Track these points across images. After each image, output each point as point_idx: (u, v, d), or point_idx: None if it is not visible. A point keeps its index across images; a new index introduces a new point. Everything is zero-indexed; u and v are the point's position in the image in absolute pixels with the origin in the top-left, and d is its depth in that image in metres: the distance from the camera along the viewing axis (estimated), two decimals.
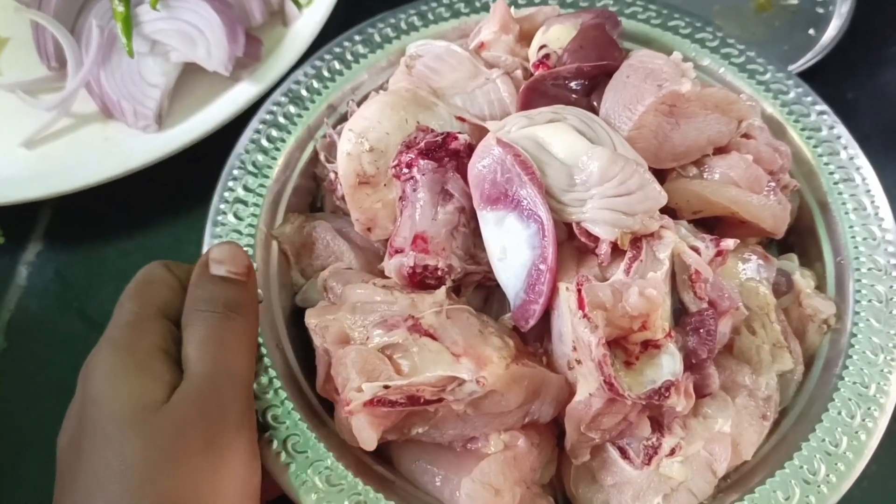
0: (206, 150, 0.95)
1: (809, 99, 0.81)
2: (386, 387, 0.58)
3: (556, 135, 0.66)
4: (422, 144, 0.69)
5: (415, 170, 0.68)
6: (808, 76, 0.92)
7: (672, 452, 0.64)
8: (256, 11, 1.03)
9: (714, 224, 0.74)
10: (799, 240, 0.79)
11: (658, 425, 0.65)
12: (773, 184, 0.73)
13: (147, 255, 0.96)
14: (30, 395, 0.88)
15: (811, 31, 1.06)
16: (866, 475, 0.65)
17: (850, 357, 0.70)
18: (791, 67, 1.00)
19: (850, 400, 0.68)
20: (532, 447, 0.65)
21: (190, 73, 1.01)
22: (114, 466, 0.52)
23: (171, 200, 0.99)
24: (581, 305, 0.60)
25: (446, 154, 0.68)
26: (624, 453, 0.65)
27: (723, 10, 1.10)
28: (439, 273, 0.66)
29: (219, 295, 0.62)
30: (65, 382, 0.89)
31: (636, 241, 0.64)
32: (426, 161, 0.67)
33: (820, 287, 0.76)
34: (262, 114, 0.82)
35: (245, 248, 0.73)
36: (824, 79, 0.98)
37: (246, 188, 0.77)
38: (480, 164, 0.66)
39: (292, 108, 0.82)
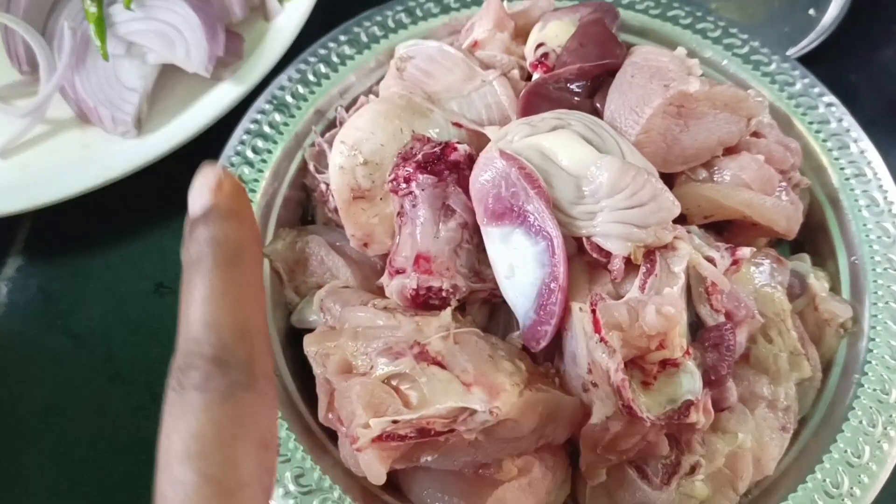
0: (190, 153, 0.91)
1: (817, 90, 0.78)
2: (395, 421, 0.56)
3: (562, 144, 0.62)
4: (419, 156, 0.65)
5: (413, 184, 0.64)
6: (809, 58, 0.90)
7: (692, 470, 0.62)
8: (236, 7, 0.99)
9: (723, 226, 0.72)
10: (809, 237, 0.76)
11: (676, 442, 0.63)
12: (784, 183, 0.71)
13: (133, 267, 0.93)
14: (16, 417, 0.85)
15: (811, 12, 1.03)
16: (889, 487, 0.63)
17: (869, 362, 0.68)
18: (792, 50, 0.97)
19: (870, 408, 0.66)
20: (547, 471, 0.62)
21: (168, 74, 0.97)
22: None
23: (156, 208, 0.95)
24: (597, 328, 0.57)
25: (446, 167, 0.65)
26: (642, 473, 0.63)
27: None
28: (444, 294, 0.63)
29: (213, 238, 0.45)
30: (51, 402, 0.87)
31: (649, 254, 0.61)
32: (425, 175, 0.64)
33: (834, 288, 0.73)
34: (245, 123, 0.78)
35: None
36: (826, 61, 0.95)
37: None
38: (483, 177, 0.62)
39: (277, 116, 0.78)
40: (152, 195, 0.95)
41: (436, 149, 0.65)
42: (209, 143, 0.89)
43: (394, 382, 0.58)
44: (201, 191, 0.47)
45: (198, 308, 0.43)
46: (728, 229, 0.72)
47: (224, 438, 0.39)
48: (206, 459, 0.38)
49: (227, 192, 0.46)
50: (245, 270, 0.45)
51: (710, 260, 0.62)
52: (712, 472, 0.63)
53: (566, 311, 0.60)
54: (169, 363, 0.82)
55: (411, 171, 0.64)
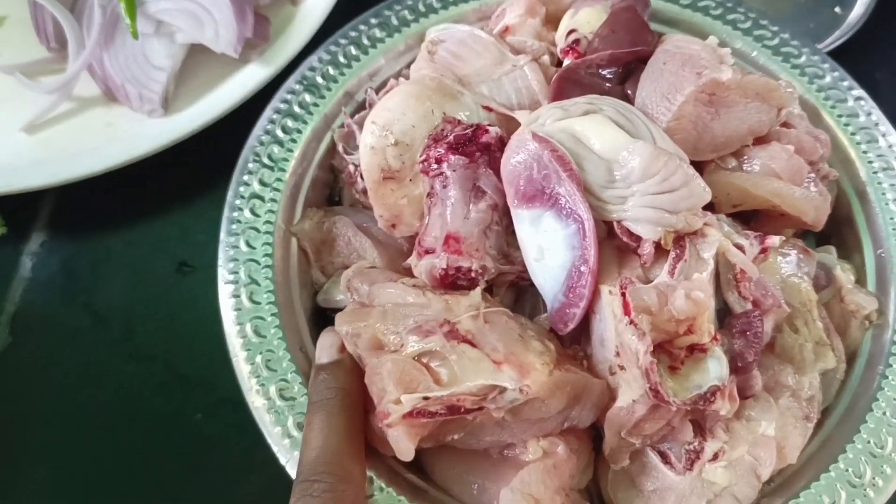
0: (214, 134, 0.92)
1: (846, 83, 0.78)
2: (425, 398, 0.56)
3: (594, 127, 0.63)
4: (450, 138, 0.65)
5: (444, 165, 0.64)
6: (834, 55, 0.89)
7: (715, 457, 0.62)
8: None
9: (750, 216, 0.72)
10: (836, 230, 0.76)
11: (700, 429, 0.63)
12: (812, 174, 0.71)
13: (155, 246, 0.93)
14: (35, 392, 0.86)
15: (837, 9, 1.03)
16: None
17: (894, 354, 0.68)
18: (818, 47, 0.96)
19: (894, 399, 0.66)
20: (571, 453, 0.62)
21: (195, 54, 0.98)
22: None
23: (179, 188, 0.96)
24: (626, 310, 0.57)
25: (477, 148, 0.65)
26: (665, 458, 0.63)
27: None
28: (472, 274, 0.64)
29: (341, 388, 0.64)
30: (70, 378, 0.87)
31: (679, 239, 0.61)
32: (457, 156, 0.64)
33: (860, 281, 0.73)
34: (276, 102, 0.78)
35: (263, 246, 0.71)
36: (851, 58, 0.95)
37: (262, 182, 0.74)
38: (515, 159, 0.63)
39: (308, 97, 0.78)
40: (176, 175, 0.95)
41: (467, 131, 0.66)
42: (233, 124, 0.90)
43: (424, 360, 0.59)
44: (330, 348, 0.65)
45: (324, 438, 0.60)
46: (755, 219, 0.72)
47: None
48: None
49: (349, 354, 0.64)
50: (358, 412, 0.62)
51: (740, 247, 0.62)
52: (735, 458, 0.63)
53: (595, 294, 0.60)
54: (188, 342, 0.83)
55: (442, 152, 0.65)
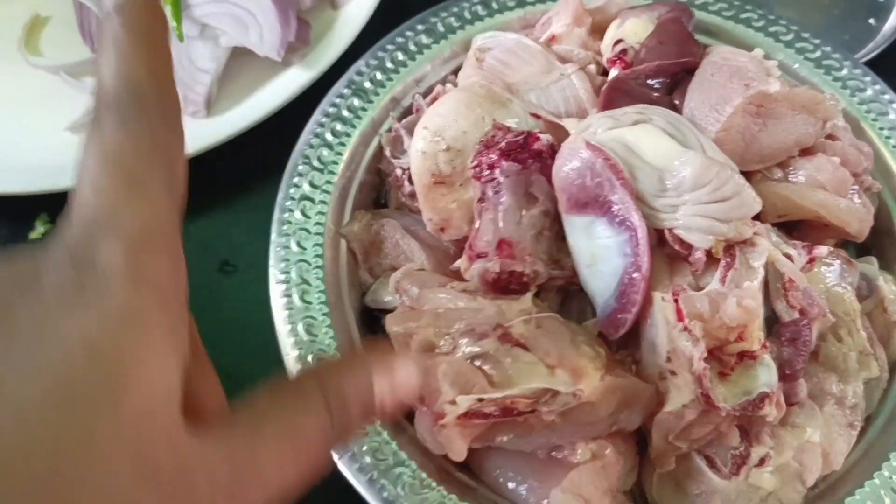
0: (255, 137, 0.93)
1: (887, 97, 0.79)
2: (480, 399, 0.57)
3: (645, 137, 0.64)
4: (502, 144, 0.67)
5: (497, 171, 0.66)
6: (869, 67, 0.90)
7: (761, 462, 0.63)
8: None
9: (792, 226, 0.73)
10: (877, 241, 0.77)
11: (745, 434, 0.64)
12: (856, 186, 0.72)
13: (197, 245, 0.94)
14: None
15: (871, 21, 1.04)
16: None
17: None
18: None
19: None
20: (619, 456, 0.63)
21: (237, 56, 0.99)
22: None
23: (221, 188, 0.97)
24: (680, 317, 0.59)
25: (529, 155, 0.66)
26: (711, 462, 0.64)
27: None
28: (525, 279, 0.65)
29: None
30: None
31: (729, 248, 0.62)
32: (510, 163, 0.65)
33: None
34: (324, 106, 0.79)
35: (314, 247, 0.72)
36: (886, 71, 0.96)
37: (312, 185, 0.75)
38: (568, 167, 0.64)
39: (356, 101, 0.80)
40: (218, 175, 0.96)
41: (518, 138, 0.67)
42: (275, 127, 0.91)
43: (477, 362, 0.60)
44: None
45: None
46: (797, 228, 0.73)
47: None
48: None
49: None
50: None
51: (788, 257, 0.63)
52: (781, 464, 0.64)
53: (647, 301, 0.62)
54: (235, 341, 0.84)
55: (495, 158, 0.66)
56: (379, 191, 0.81)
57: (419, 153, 0.69)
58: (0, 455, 0.30)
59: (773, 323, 0.64)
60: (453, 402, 0.57)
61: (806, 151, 0.71)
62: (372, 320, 0.73)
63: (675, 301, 0.59)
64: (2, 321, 0.33)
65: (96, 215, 0.36)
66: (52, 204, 0.93)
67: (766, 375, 0.60)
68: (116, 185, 0.37)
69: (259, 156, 0.81)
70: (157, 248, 0.37)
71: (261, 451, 0.38)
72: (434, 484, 0.63)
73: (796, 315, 0.63)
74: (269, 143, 0.83)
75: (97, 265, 0.35)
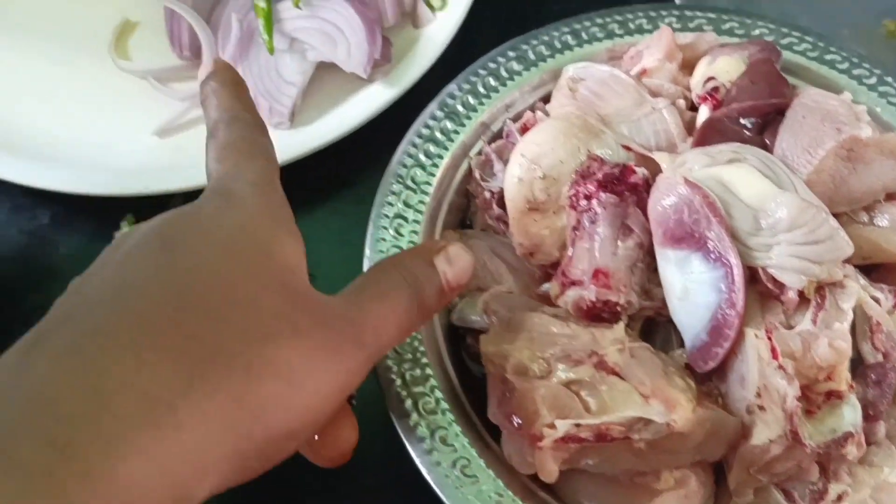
0: (336, 150, 0.95)
1: None
2: (577, 424, 0.59)
3: (741, 176, 0.66)
4: (599, 175, 0.69)
5: (594, 202, 0.68)
6: None
7: (839, 499, 0.65)
8: (390, 12, 1.03)
9: (871, 269, 0.74)
10: None
11: (824, 470, 0.66)
12: None
13: None
14: None
15: None
16: None
17: None
18: None
19: None
20: (701, 485, 0.65)
21: (320, 70, 1.01)
22: None
23: (302, 199, 0.97)
24: (774, 355, 0.60)
25: (626, 188, 0.68)
26: (789, 496, 0.66)
27: (852, 34, 1.09)
28: (618, 308, 0.67)
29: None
30: None
31: (820, 289, 0.64)
32: (608, 195, 0.67)
33: None
34: (418, 127, 0.82)
35: None
36: None
37: (406, 204, 0.78)
38: (665, 201, 0.66)
39: (449, 124, 0.82)
40: (299, 187, 0.98)
41: (615, 170, 0.69)
42: (355, 142, 0.93)
43: (573, 388, 0.62)
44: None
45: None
46: (876, 271, 0.75)
47: None
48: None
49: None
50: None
51: (876, 300, 0.65)
52: (857, 501, 0.65)
53: (738, 336, 0.63)
54: None
55: (593, 189, 0.68)
56: (465, 212, 0.84)
57: (515, 180, 0.71)
58: (203, 285, 0.46)
59: (856, 364, 0.66)
60: (552, 426, 0.59)
61: (891, 196, 0.73)
62: (458, 337, 0.75)
63: (769, 339, 0.61)
64: (183, 222, 0.50)
65: (227, 171, 0.56)
66: (139, 205, 0.96)
67: (851, 415, 0.62)
68: (235, 156, 0.57)
69: (335, 168, 0.83)
70: (272, 187, 0.55)
71: (365, 306, 0.55)
72: (520, 501, 0.65)
73: (880, 357, 0.65)
74: (352, 156, 0.85)
75: (235, 193, 0.53)
